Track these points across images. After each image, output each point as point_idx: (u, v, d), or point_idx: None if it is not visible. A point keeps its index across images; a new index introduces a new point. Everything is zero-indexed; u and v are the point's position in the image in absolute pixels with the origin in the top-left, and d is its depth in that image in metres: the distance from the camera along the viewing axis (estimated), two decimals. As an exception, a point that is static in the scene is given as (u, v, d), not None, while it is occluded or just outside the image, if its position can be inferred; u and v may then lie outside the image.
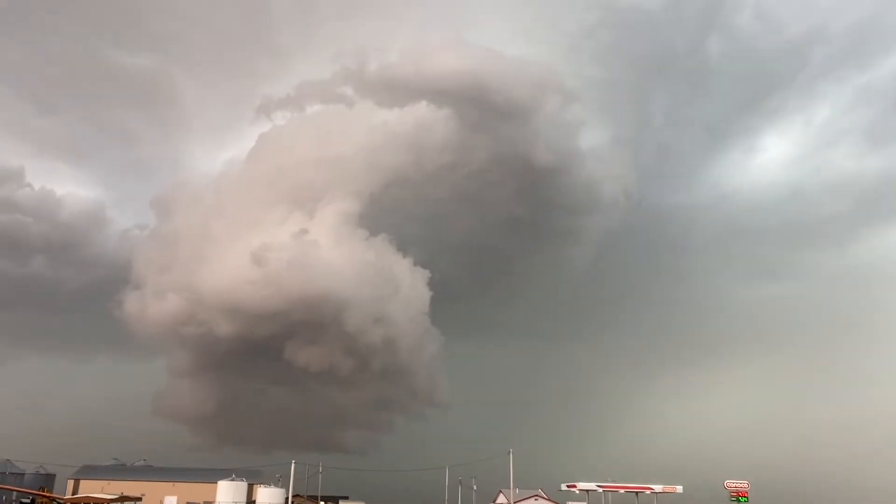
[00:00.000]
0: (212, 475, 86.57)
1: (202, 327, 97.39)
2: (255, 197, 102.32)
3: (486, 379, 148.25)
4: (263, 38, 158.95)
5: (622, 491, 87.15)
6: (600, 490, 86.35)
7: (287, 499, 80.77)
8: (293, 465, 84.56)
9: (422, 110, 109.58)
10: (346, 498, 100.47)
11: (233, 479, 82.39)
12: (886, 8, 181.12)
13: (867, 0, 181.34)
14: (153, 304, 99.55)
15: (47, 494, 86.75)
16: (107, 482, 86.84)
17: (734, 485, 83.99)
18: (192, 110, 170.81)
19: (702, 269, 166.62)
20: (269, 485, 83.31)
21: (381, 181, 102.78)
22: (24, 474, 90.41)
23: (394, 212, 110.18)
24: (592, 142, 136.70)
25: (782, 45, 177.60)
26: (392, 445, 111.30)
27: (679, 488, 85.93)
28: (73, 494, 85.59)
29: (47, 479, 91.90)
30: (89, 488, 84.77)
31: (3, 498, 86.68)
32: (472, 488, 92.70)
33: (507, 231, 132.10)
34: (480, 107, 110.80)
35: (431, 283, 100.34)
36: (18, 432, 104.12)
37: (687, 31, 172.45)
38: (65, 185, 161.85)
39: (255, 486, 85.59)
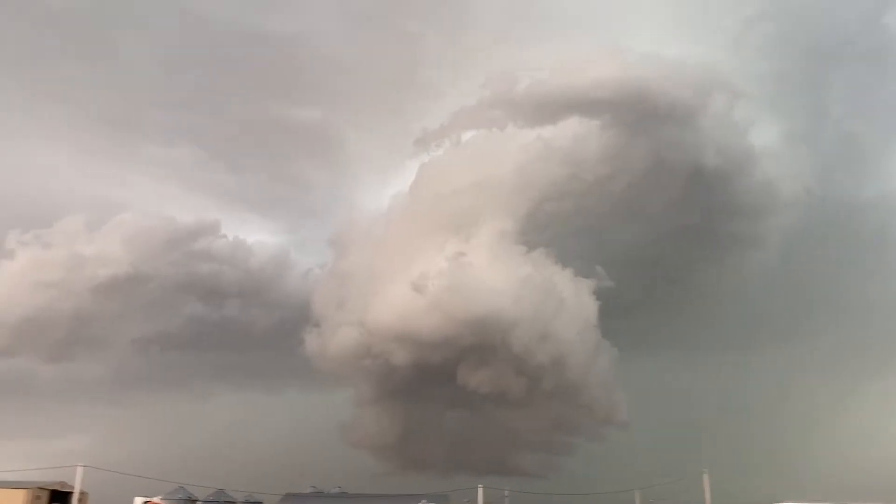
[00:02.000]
0: (401, 500, 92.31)
1: (379, 358, 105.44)
2: (417, 227, 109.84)
3: (668, 395, 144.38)
4: (415, 77, 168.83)
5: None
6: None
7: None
8: (480, 489, 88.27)
9: (576, 122, 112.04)
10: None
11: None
12: None
13: None
14: (332, 338, 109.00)
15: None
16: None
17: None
18: (357, 153, 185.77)
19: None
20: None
21: (537, 198, 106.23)
22: (234, 502, 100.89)
23: (552, 227, 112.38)
24: (765, 139, 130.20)
25: None
26: (573, 468, 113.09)
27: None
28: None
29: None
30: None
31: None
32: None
33: (675, 240, 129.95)
34: (640, 113, 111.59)
35: (598, 294, 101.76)
36: (226, 463, 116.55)
37: (858, 11, 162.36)
38: (254, 234, 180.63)
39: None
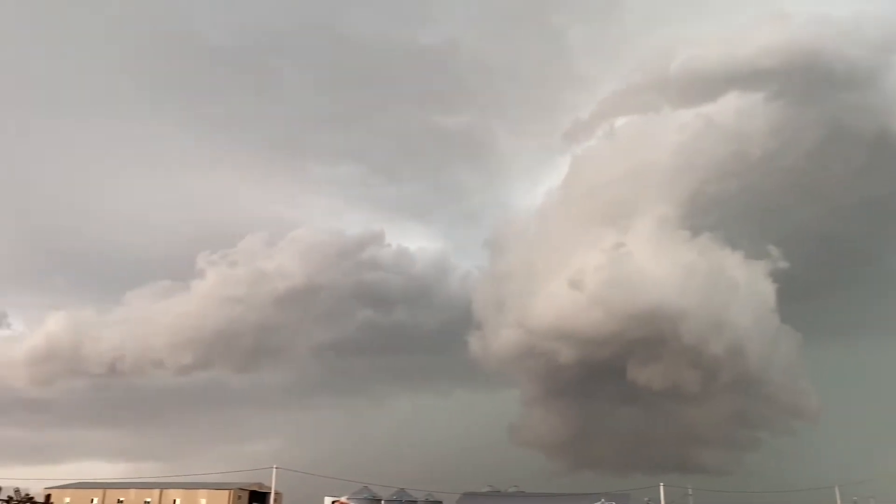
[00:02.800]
0: (580, 500, 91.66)
1: (543, 357, 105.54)
2: (572, 222, 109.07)
3: (869, 384, 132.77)
4: (564, 71, 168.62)
5: None
6: None
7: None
8: (661, 487, 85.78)
9: (738, 97, 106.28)
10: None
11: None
12: None
13: None
14: (494, 340, 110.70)
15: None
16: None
17: None
18: (509, 153, 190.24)
19: None
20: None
21: (699, 180, 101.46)
22: (416, 501, 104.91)
23: (717, 210, 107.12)
24: None
25: None
26: (759, 463, 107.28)
27: None
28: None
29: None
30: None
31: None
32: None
33: (859, 214, 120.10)
34: (812, 80, 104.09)
35: (774, 277, 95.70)
36: (405, 463, 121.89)
37: None
38: (415, 241, 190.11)
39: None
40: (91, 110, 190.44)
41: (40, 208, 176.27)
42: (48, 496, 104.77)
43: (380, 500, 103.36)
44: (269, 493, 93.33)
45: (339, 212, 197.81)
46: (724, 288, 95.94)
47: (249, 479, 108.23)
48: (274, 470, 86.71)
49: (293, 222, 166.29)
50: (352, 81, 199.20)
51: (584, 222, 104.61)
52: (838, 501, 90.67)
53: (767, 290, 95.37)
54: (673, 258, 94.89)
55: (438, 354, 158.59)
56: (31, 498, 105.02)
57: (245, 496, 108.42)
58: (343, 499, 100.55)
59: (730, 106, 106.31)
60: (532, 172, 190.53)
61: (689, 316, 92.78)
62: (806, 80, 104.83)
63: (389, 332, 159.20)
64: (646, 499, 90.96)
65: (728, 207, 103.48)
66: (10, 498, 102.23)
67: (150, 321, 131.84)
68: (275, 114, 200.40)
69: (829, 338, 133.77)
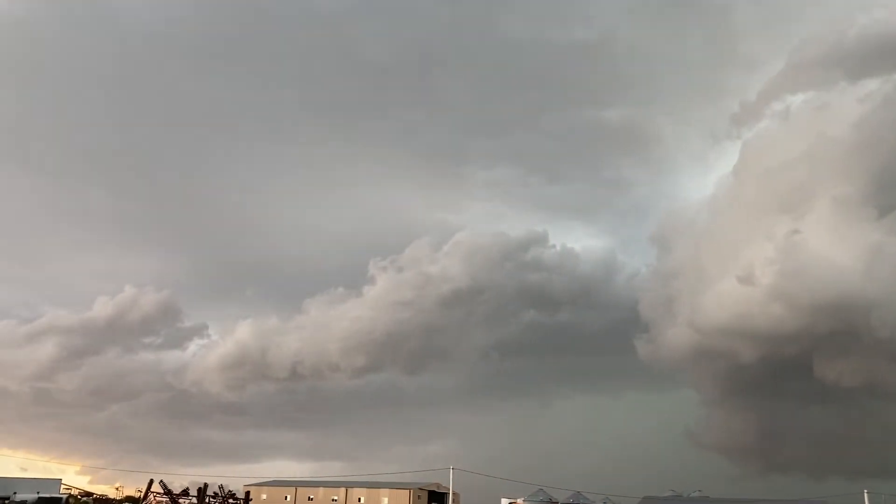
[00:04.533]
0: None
1: (719, 356, 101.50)
2: (743, 212, 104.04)
3: None
4: (726, 52, 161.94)
5: None
6: None
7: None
8: (865, 494, 79.88)
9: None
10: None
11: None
12: None
13: None
14: (663, 340, 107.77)
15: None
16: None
17: None
18: (674, 143, 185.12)
19: None
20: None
21: (885, 154, 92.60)
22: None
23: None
24: None
25: None
26: None
27: None
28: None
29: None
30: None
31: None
32: None
33: None
34: None
35: None
36: (579, 465, 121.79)
37: None
38: (580, 241, 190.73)
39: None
40: (265, 131, 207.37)
41: (225, 226, 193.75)
42: (248, 493, 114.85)
43: (556, 502, 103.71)
44: (448, 493, 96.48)
45: (501, 214, 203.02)
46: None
47: (427, 479, 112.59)
48: (451, 471, 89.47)
49: (457, 226, 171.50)
50: (508, 84, 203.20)
51: (757, 211, 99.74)
52: None
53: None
54: (856, 242, 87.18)
55: (606, 355, 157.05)
56: (234, 494, 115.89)
57: (424, 496, 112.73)
58: (520, 501, 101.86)
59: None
60: (700, 161, 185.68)
61: (880, 304, 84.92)
62: None
63: (554, 333, 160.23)
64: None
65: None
66: (216, 493, 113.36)
67: (325, 327, 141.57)
68: (435, 123, 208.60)
69: None
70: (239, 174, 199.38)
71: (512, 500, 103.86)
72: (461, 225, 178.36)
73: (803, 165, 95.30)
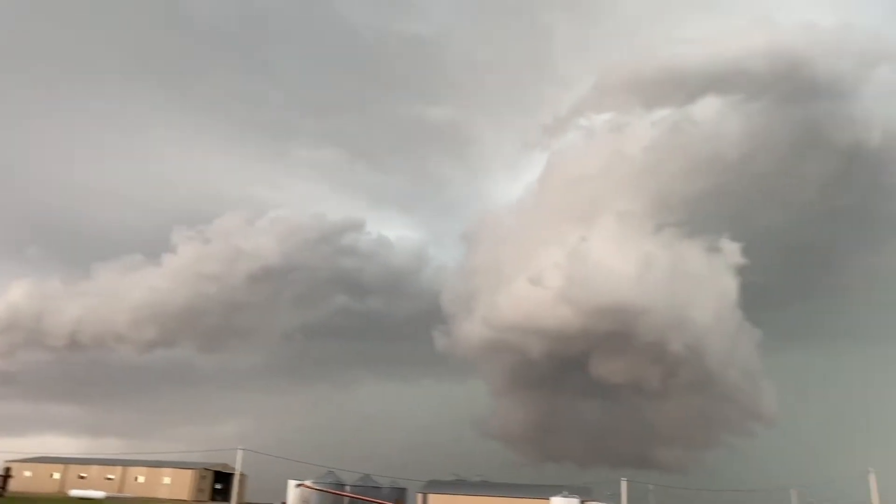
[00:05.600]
0: (544, 491, 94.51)
1: (510, 351, 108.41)
2: (542, 218, 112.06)
3: (827, 390, 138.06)
4: (548, 68, 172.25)
5: None
6: None
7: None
8: (624, 482, 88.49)
9: (716, 98, 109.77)
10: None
11: (565, 496, 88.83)
12: None
13: None
14: (461, 333, 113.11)
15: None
16: (451, 496, 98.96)
17: None
18: (490, 147, 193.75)
19: None
20: (600, 502, 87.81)
21: (668, 178, 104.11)
22: (381, 488, 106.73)
23: (684, 208, 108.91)
24: None
25: None
26: (717, 463, 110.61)
27: None
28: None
29: (400, 493, 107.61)
30: (436, 502, 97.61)
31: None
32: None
33: (826, 223, 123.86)
34: (792, 87, 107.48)
35: (740, 281, 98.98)
36: (370, 449, 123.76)
37: None
38: (395, 231, 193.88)
39: (585, 502, 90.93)
40: (67, 81, 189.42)
41: (11, 179, 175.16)
42: (8, 469, 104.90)
43: (344, 485, 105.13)
44: (234, 474, 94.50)
45: (321, 196, 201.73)
46: (687, 283, 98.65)
47: (214, 459, 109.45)
48: (239, 451, 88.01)
49: (274, 203, 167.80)
50: (342, 67, 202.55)
51: (554, 218, 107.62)
52: (794, 503, 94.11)
53: (730, 285, 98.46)
54: (634, 253, 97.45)
55: (407, 344, 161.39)
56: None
57: (209, 476, 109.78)
58: (308, 483, 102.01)
59: (707, 106, 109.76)
60: (512, 167, 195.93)
61: (648, 311, 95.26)
62: (787, 86, 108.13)
63: (362, 319, 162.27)
64: (608, 493, 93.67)
65: (696, 207, 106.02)
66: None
67: (114, 295, 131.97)
68: (261, 94, 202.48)
69: (793, 344, 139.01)
70: (34, 124, 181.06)
71: (301, 482, 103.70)
72: (279, 202, 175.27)
73: (598, 180, 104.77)
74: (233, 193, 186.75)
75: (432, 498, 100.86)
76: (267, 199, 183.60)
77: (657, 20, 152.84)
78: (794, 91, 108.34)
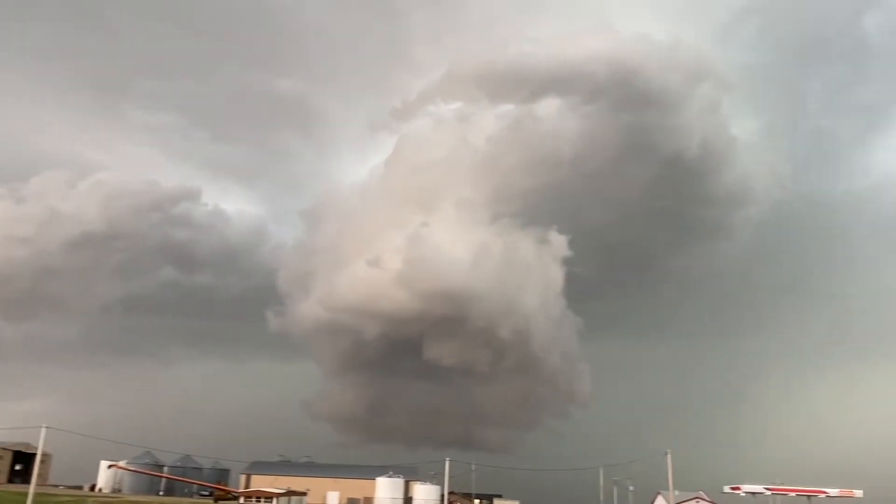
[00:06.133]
0: (370, 472, 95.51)
1: (344, 332, 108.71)
2: (386, 201, 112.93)
3: (636, 377, 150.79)
4: (401, 52, 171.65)
5: (793, 494, 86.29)
6: (768, 493, 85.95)
7: (443, 496, 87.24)
8: (447, 462, 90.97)
9: (556, 97, 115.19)
10: (499, 496, 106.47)
11: (391, 476, 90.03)
12: None
13: None
14: (297, 312, 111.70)
15: (223, 488, 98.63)
16: (275, 477, 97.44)
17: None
18: (340, 126, 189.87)
19: (867, 260, 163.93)
20: (425, 482, 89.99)
21: (505, 171, 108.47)
22: (202, 469, 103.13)
23: (519, 200, 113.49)
24: (745, 131, 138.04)
25: None
26: (538, 444, 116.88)
27: (859, 492, 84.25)
28: (245, 488, 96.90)
29: (223, 474, 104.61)
30: (260, 483, 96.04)
31: (185, 490, 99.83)
32: (629, 489, 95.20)
33: (648, 225, 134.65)
34: (625, 94, 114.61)
35: (565, 272, 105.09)
36: (193, 429, 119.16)
37: (840, 10, 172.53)
38: (234, 204, 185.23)
39: (411, 482, 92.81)
40: None
41: None
42: None
43: (163, 465, 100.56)
44: (35, 453, 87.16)
45: (154, 162, 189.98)
46: (518, 271, 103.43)
47: (16, 438, 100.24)
48: (43, 429, 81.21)
49: (101, 165, 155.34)
50: (188, 30, 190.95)
51: (397, 202, 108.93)
52: (601, 480, 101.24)
53: (557, 276, 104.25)
54: (470, 241, 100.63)
55: (239, 322, 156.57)
56: None
57: (8, 456, 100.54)
58: (122, 463, 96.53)
59: (548, 105, 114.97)
60: (360, 148, 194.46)
61: (481, 297, 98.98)
62: (621, 92, 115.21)
63: (190, 294, 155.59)
64: (431, 472, 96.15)
65: (531, 200, 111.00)
66: None
67: None
68: (99, 48, 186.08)
69: (609, 333, 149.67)
70: None
71: (113, 463, 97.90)
72: (107, 164, 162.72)
73: (442, 167, 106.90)
74: (55, 151, 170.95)
75: (256, 479, 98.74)
76: (93, 161, 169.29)
77: (510, 18, 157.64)
78: (627, 98, 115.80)
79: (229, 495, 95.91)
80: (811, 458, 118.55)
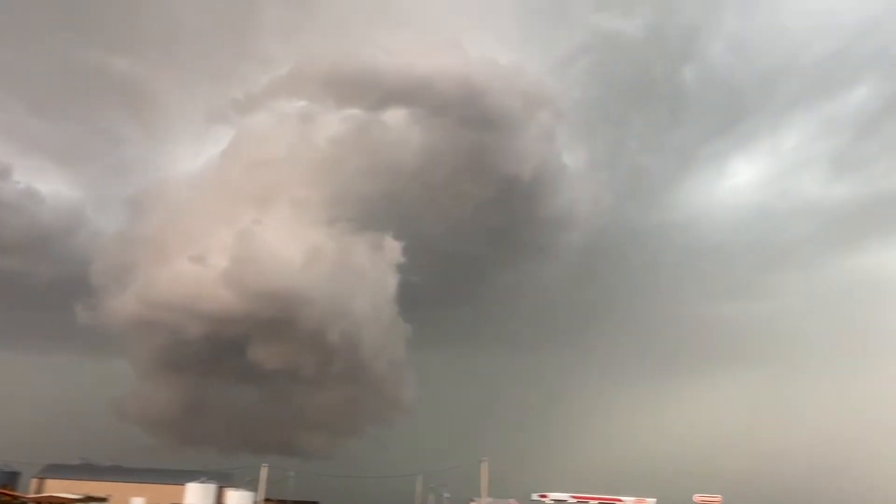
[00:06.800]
0: (181, 477, 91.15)
1: (165, 330, 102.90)
2: (220, 196, 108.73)
3: (460, 386, 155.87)
4: (248, 44, 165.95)
5: (593, 502, 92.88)
6: (572, 500, 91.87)
7: (256, 503, 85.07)
8: (264, 468, 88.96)
9: (401, 108, 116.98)
10: (316, 503, 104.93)
11: (202, 482, 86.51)
12: (853, 42, 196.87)
13: (834, 35, 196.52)
14: (110, 306, 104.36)
15: (9, 493, 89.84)
16: (73, 482, 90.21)
17: (705, 499, 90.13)
18: (177, 113, 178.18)
19: (672, 287, 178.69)
20: (239, 488, 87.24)
21: (345, 174, 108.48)
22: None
23: (359, 206, 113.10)
24: (574, 160, 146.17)
25: (753, 76, 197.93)
26: (359, 450, 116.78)
27: (651, 500, 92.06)
28: (37, 493, 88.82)
29: (11, 477, 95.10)
30: (55, 488, 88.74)
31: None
32: (445, 496, 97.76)
33: (480, 240, 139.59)
34: (469, 112, 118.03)
35: (398, 280, 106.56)
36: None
37: (664, 59, 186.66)
38: (50, 185, 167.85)
39: (224, 489, 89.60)
40: None
41: None
42: None
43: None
44: None
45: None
46: (351, 275, 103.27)
47: None
48: None
49: None
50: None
51: (231, 198, 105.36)
52: (419, 488, 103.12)
53: (390, 282, 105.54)
54: (303, 242, 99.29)
55: (45, 312, 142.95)
56: None
57: None
58: None
59: (394, 114, 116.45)
60: (197, 137, 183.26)
61: (311, 300, 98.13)
62: (465, 111, 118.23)
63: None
64: (247, 478, 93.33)
65: (369, 205, 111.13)
66: None
67: None
68: None
69: (436, 343, 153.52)
70: None
71: None
72: None
73: (281, 164, 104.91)
74: None
75: (50, 483, 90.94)
76: None
77: (365, 25, 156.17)
78: (470, 117, 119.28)
79: (16, 501, 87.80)
80: (612, 467, 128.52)
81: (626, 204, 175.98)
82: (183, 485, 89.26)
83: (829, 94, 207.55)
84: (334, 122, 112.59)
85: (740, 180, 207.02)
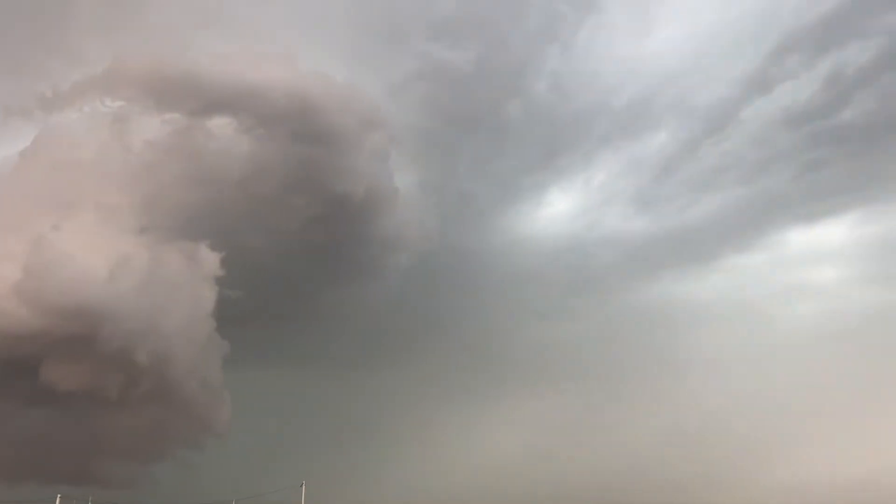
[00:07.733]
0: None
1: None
2: (16, 200, 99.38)
3: (279, 406, 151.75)
4: (58, 38, 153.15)
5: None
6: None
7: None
8: (58, 498, 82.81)
9: (225, 116, 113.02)
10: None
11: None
12: (658, 89, 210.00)
13: (643, 81, 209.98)
14: None
15: None
16: None
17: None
18: None
19: (491, 309, 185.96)
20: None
21: (160, 181, 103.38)
22: None
23: (176, 216, 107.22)
24: (404, 183, 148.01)
25: (571, 114, 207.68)
26: (166, 477, 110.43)
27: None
28: None
29: None
30: None
31: None
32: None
33: (307, 257, 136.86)
34: (301, 127, 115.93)
35: (217, 297, 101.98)
36: None
37: (491, 92, 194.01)
38: None
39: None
40: None
41: None
42: None
43: None
44: None
45: None
46: (163, 289, 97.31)
47: None
48: None
49: None
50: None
51: (28, 202, 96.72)
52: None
53: (207, 296, 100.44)
54: (109, 253, 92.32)
55: None
56: None
57: None
58: None
59: (220, 121, 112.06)
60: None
61: (115, 317, 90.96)
62: (296, 125, 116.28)
63: None
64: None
65: (187, 214, 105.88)
66: None
67: None
68: None
69: (254, 363, 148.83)
70: None
71: None
72: None
73: (89, 167, 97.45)
74: None
75: None
76: None
77: (193, 29, 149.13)
78: (302, 131, 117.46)
79: None
80: (437, 484, 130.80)
81: (454, 228, 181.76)
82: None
83: (634, 136, 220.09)
84: (153, 126, 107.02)
85: (557, 210, 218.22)
